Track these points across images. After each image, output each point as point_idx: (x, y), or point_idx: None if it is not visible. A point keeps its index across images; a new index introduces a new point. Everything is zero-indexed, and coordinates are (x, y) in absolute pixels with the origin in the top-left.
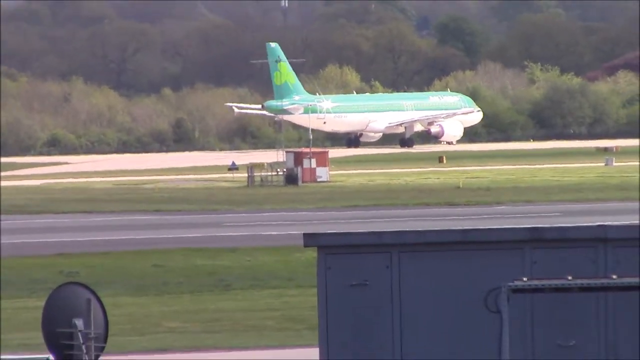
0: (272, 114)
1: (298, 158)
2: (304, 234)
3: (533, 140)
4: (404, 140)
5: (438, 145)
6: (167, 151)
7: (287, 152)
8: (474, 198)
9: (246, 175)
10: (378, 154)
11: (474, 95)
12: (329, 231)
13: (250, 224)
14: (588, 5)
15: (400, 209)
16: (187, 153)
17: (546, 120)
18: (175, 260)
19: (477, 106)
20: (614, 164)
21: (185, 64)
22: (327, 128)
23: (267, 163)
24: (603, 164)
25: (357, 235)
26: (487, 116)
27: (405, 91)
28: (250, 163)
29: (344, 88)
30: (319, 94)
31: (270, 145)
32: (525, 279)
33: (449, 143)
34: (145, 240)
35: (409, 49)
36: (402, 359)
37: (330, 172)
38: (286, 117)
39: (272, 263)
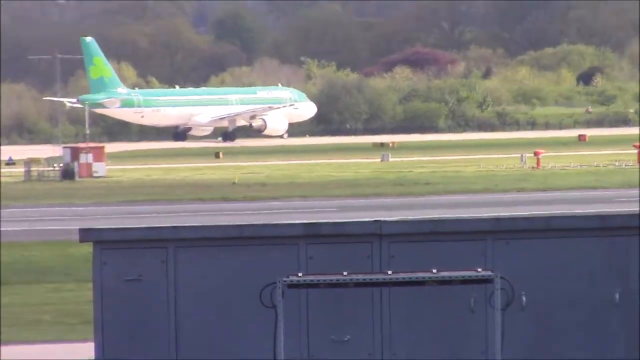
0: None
1: (75, 153)
2: (79, 229)
3: (310, 136)
4: (227, 134)
5: (264, 139)
6: None
7: (64, 147)
8: (250, 193)
9: (23, 170)
10: (187, 148)
11: None
12: (104, 226)
13: (26, 219)
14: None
15: (176, 204)
16: None
17: (323, 116)
18: None
19: (309, 100)
20: (390, 159)
21: None
22: (146, 122)
23: (44, 158)
24: (379, 160)
25: (132, 230)
26: None
27: (182, 87)
28: (27, 158)
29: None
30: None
31: (48, 140)
32: (300, 274)
33: (280, 137)
34: None
35: (186, 46)
36: (177, 355)
37: (110, 167)
38: (102, 111)
39: (49, 258)
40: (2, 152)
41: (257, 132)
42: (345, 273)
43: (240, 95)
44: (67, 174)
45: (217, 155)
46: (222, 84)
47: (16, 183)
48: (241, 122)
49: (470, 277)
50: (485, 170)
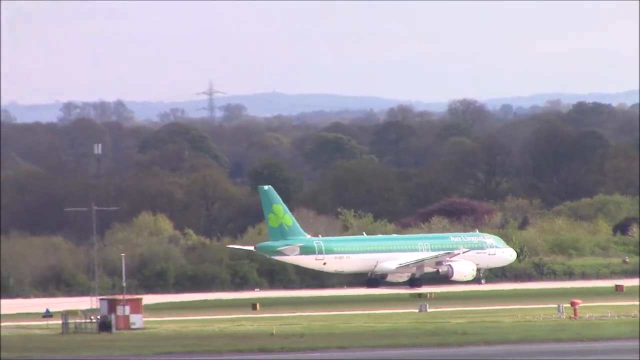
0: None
1: (112, 305)
2: None
3: (347, 287)
4: (413, 281)
5: (451, 285)
6: None
7: (101, 299)
8: (288, 345)
9: (60, 322)
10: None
11: None
12: None
13: None
14: (402, 151)
15: (214, 355)
16: (1, 300)
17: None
18: None
19: (507, 245)
20: (428, 309)
21: None
22: (329, 269)
23: (81, 310)
24: (417, 310)
25: None
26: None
27: (218, 239)
28: (64, 310)
29: (157, 236)
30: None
31: (85, 292)
32: None
33: (478, 283)
34: None
35: (223, 196)
36: None
37: (147, 319)
38: (282, 258)
39: None
40: (39, 304)
41: (445, 278)
42: None
43: (431, 241)
44: (104, 326)
45: (254, 307)
46: (259, 235)
47: (54, 335)
48: (429, 269)
49: None
50: (523, 320)
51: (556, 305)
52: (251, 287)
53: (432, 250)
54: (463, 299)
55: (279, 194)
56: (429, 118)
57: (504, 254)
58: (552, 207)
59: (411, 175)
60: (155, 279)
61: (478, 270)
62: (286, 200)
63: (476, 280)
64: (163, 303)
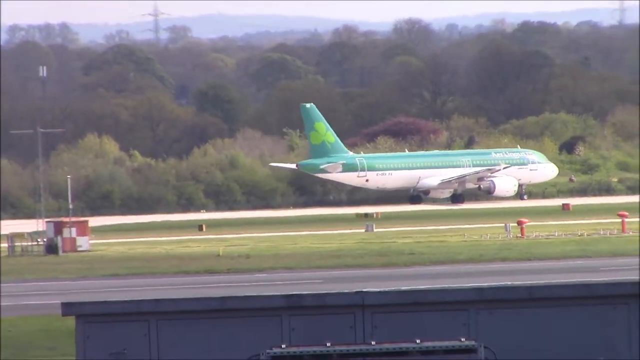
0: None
1: (58, 227)
2: (62, 303)
3: (293, 208)
4: (455, 197)
5: (492, 201)
6: None
7: (47, 221)
8: (234, 266)
9: (7, 245)
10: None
11: (233, 163)
12: (87, 300)
13: (11, 294)
14: (347, 71)
15: (160, 277)
16: None
17: (306, 187)
18: None
19: (548, 161)
20: (375, 230)
21: None
22: (371, 186)
23: (27, 233)
24: (363, 230)
25: (114, 303)
26: (247, 184)
27: (164, 160)
28: (10, 233)
29: (103, 158)
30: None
31: (31, 214)
32: (284, 345)
33: (521, 198)
34: None
35: (168, 117)
36: None
37: (94, 241)
38: (324, 176)
39: (34, 333)
40: None
41: (487, 194)
42: (328, 344)
43: (473, 157)
44: (51, 248)
45: (200, 228)
46: (205, 156)
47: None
48: (471, 185)
49: (453, 347)
50: (470, 240)
51: (503, 225)
52: (197, 209)
53: (474, 166)
54: (409, 218)
55: (224, 115)
56: (374, 38)
57: (546, 170)
58: (498, 125)
59: (356, 96)
60: (101, 200)
61: (520, 185)
62: (231, 121)
63: (519, 196)
64: (109, 225)
